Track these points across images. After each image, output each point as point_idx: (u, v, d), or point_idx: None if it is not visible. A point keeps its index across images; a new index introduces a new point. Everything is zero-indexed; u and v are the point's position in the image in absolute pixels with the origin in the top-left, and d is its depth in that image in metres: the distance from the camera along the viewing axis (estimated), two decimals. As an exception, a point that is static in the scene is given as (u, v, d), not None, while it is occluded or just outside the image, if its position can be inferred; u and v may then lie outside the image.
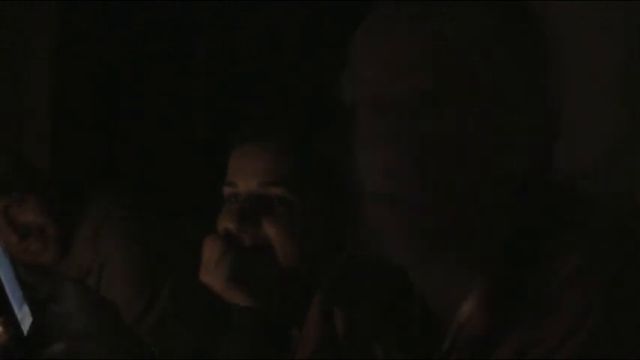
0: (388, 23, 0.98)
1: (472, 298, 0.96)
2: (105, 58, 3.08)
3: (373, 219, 0.97)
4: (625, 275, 0.89)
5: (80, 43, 3.03)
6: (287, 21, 2.99)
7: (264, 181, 1.40)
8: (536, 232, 0.94)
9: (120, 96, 3.08)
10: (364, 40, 1.00)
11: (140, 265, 2.04)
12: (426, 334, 1.02)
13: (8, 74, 2.97)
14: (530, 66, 0.98)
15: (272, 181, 1.39)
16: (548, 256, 0.92)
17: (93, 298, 1.68)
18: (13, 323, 1.41)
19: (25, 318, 1.53)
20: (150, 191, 2.63)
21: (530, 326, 0.90)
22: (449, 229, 0.95)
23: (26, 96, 2.95)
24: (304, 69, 2.88)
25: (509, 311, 0.92)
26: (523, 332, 0.90)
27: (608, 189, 1.17)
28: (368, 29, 1.00)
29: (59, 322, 1.49)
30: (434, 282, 1.01)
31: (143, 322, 1.99)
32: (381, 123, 0.96)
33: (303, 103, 2.56)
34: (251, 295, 1.38)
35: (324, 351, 1.15)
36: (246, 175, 1.42)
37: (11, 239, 2.03)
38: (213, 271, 1.38)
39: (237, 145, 1.46)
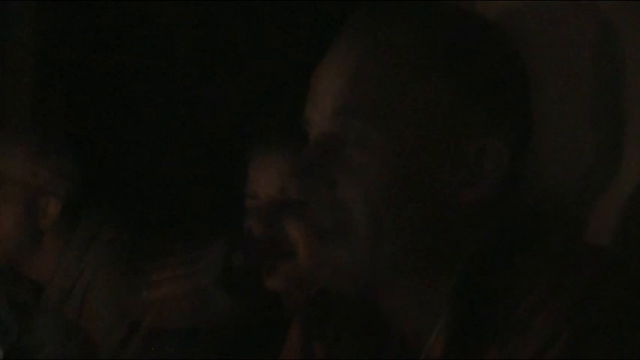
0: (332, 61, 1.00)
1: (439, 322, 0.96)
2: (90, 60, 3.04)
3: (325, 252, 0.98)
4: (592, 296, 0.90)
5: (62, 48, 2.99)
6: (287, 20, 2.97)
7: (285, 187, 1.44)
8: (501, 256, 0.95)
9: (104, 101, 3.03)
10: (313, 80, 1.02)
11: (123, 292, 2.01)
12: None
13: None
14: (487, 99, 0.97)
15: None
16: (515, 280, 0.93)
17: (67, 328, 1.66)
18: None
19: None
20: (140, 206, 2.60)
21: (501, 349, 0.91)
22: (404, 256, 0.96)
23: (4, 100, 2.90)
24: (303, 68, 2.85)
25: (472, 336, 0.93)
26: (495, 355, 0.91)
27: (575, 212, 1.17)
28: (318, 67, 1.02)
29: (32, 353, 1.47)
30: (405, 308, 1.00)
31: (123, 350, 1.96)
32: (328, 158, 0.97)
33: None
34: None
35: None
36: (267, 183, 1.47)
37: None
38: None
39: (255, 157, 1.50)
